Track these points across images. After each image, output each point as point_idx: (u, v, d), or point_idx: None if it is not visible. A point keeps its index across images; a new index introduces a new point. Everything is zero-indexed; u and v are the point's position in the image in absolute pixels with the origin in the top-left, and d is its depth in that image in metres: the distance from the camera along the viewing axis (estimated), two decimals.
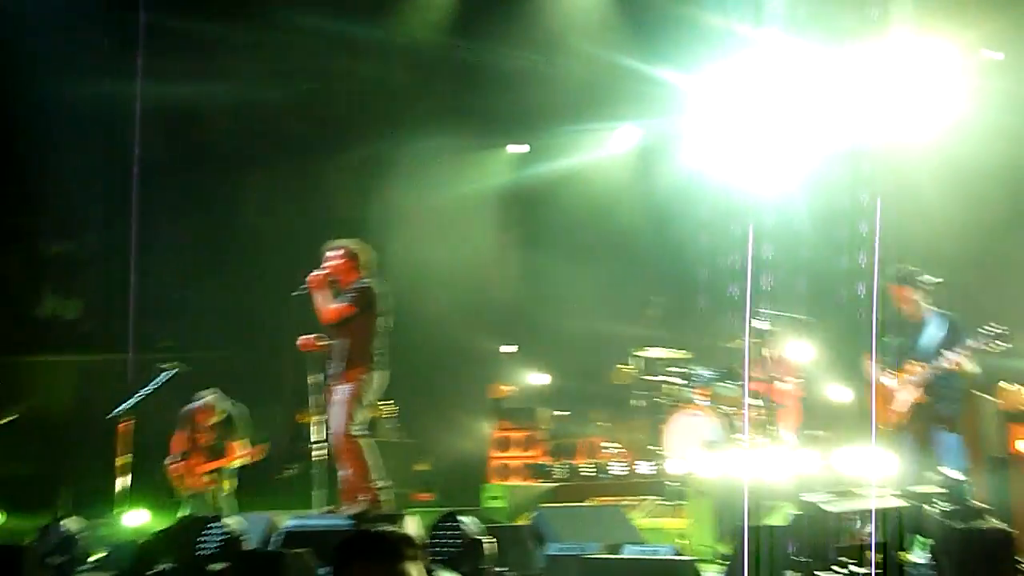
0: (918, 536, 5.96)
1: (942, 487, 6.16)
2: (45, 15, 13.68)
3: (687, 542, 9.69)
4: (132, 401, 11.00)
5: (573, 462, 13.20)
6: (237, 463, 11.47)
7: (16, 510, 12.79)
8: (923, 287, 8.79)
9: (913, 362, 8.56)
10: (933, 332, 8.64)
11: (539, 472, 13.22)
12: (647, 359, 13.08)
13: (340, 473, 9.15)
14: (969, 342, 8.31)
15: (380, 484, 8.88)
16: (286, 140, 15.88)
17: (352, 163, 15.97)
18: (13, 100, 14.19)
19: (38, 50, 13.70)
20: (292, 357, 9.43)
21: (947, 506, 6.00)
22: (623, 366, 13.54)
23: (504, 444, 14.08)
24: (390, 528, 3.10)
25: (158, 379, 11.22)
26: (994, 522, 5.80)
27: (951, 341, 8.44)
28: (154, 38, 14.29)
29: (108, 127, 15.07)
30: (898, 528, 5.43)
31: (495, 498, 12.32)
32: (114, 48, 14.62)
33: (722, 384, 12.30)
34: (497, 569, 7.28)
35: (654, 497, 11.63)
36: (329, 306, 9.02)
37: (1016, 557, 5.64)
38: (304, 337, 9.26)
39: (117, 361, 14.82)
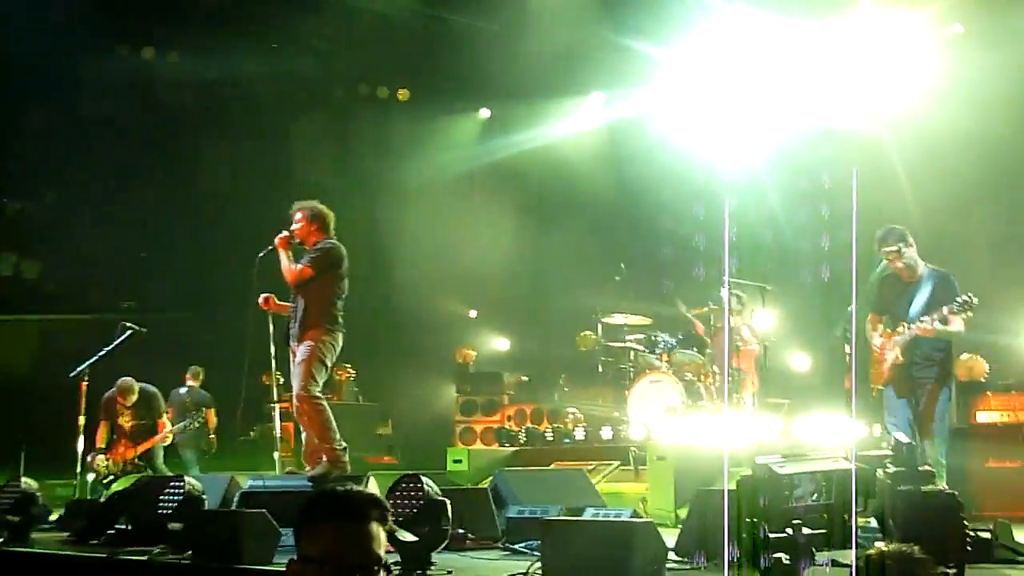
0: (869, 499, 6.03)
1: (891, 450, 6.21)
2: None
3: (647, 506, 9.74)
4: (92, 360, 10.95)
5: (536, 427, 13.22)
6: (169, 438, 11.56)
7: None
8: (911, 243, 8.72)
9: (904, 323, 8.56)
10: (924, 291, 8.61)
11: (502, 436, 13.24)
12: (611, 325, 13.10)
13: (303, 434, 9.13)
14: (944, 308, 8.33)
15: (340, 446, 8.85)
16: (251, 102, 15.73)
17: (317, 127, 15.86)
18: None
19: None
20: (256, 317, 9.35)
21: (894, 469, 6.05)
22: (587, 332, 13.58)
23: (468, 408, 14.10)
24: (356, 488, 3.06)
25: (118, 338, 11.15)
26: (941, 486, 5.85)
27: (940, 300, 8.42)
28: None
29: (72, 87, 14.89)
30: (847, 491, 5.50)
31: (458, 462, 12.32)
32: (79, 8, 14.40)
33: (683, 351, 12.36)
34: (459, 531, 7.29)
35: (615, 462, 11.67)
36: (290, 267, 8.98)
37: (964, 523, 5.68)
38: (265, 296, 9.22)
39: (76, 321, 14.73)
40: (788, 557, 5.18)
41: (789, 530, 5.22)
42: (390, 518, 3.07)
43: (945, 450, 8.46)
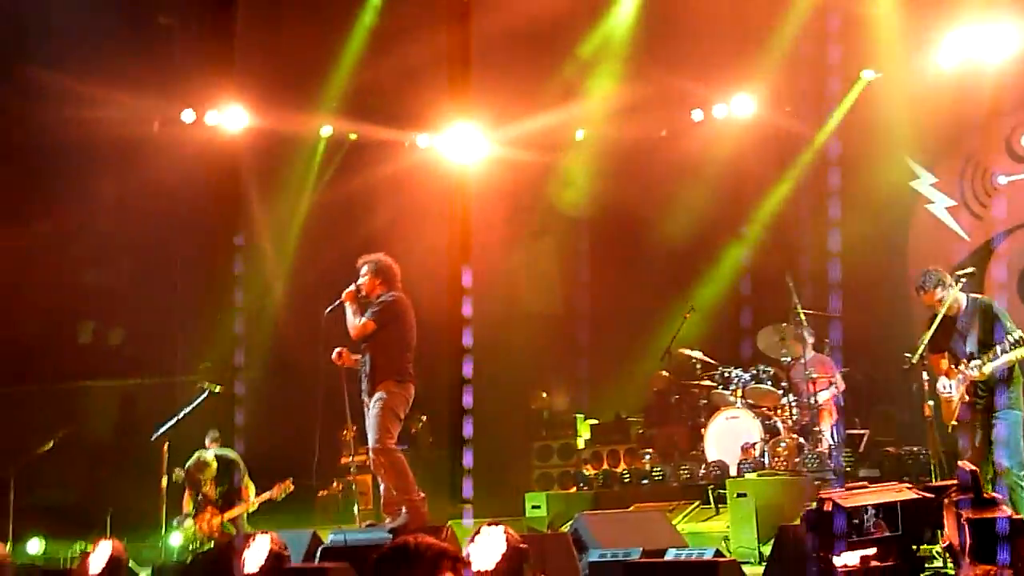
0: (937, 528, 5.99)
1: (957, 479, 6.14)
2: None
3: (729, 544, 9.66)
4: (171, 422, 11.11)
5: (612, 469, 13.17)
6: (255, 506, 11.61)
7: (57, 536, 12.92)
8: (950, 283, 8.77)
9: (964, 361, 8.58)
10: (973, 327, 8.62)
11: (579, 480, 13.20)
12: (684, 364, 13.04)
13: (381, 487, 9.18)
14: (997, 348, 8.33)
15: (419, 496, 8.90)
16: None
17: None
18: None
19: None
20: (329, 372, 9.45)
21: (959, 497, 6.00)
22: (660, 371, 13.52)
23: (544, 453, 14.07)
24: (427, 539, 3.07)
25: (196, 399, 11.32)
26: (1006, 509, 5.82)
27: (988, 335, 8.44)
28: None
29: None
30: (914, 521, 5.47)
31: (536, 507, 12.30)
32: None
33: (758, 385, 12.25)
34: None
35: (695, 501, 11.58)
36: (353, 322, 9.09)
37: None
38: (339, 350, 9.32)
39: (157, 385, 14.96)
40: None
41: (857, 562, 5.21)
42: (463, 568, 3.07)
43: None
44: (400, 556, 3.00)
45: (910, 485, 6.39)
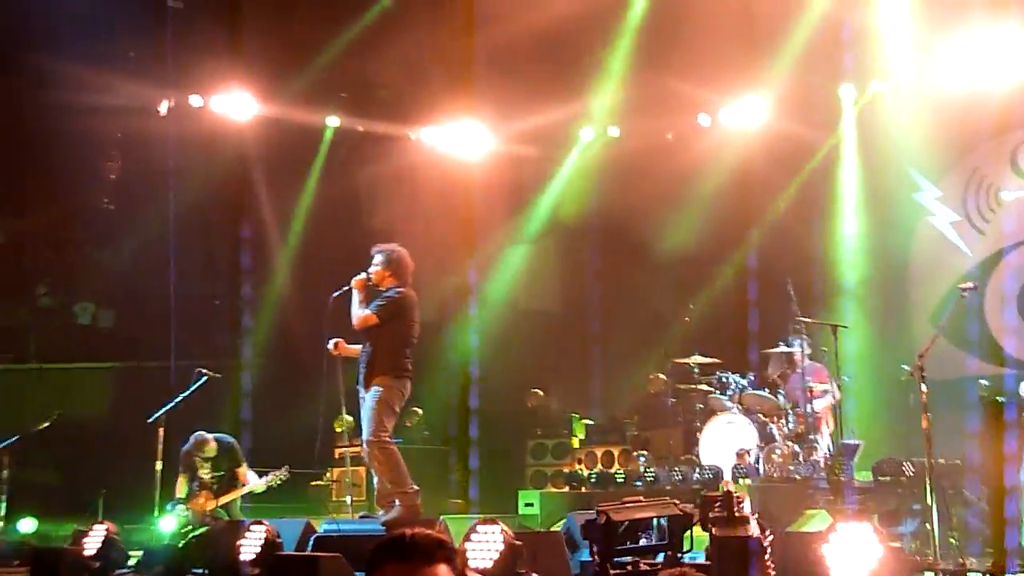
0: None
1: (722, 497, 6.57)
2: None
3: None
4: (168, 407, 11.12)
5: (606, 470, 13.17)
6: (254, 489, 11.61)
7: (50, 517, 12.92)
8: None
9: None
10: None
11: (573, 479, 13.20)
12: (681, 367, 13.05)
13: (373, 479, 9.19)
14: None
15: (412, 490, 8.90)
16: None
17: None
18: None
19: None
20: (329, 361, 9.44)
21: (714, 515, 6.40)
22: (657, 374, 13.53)
23: (539, 452, 14.08)
24: (425, 531, 3.09)
25: (193, 385, 11.32)
26: (752, 529, 6.22)
27: None
28: None
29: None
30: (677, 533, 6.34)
31: (529, 505, 12.30)
32: None
33: (755, 392, 12.27)
34: (533, 575, 7.28)
35: (689, 504, 11.57)
36: (357, 312, 9.06)
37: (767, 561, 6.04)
38: (335, 341, 9.30)
39: (152, 368, 14.95)
40: None
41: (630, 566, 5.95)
42: (459, 560, 3.08)
43: None
44: (397, 547, 3.02)
45: (676, 502, 6.93)
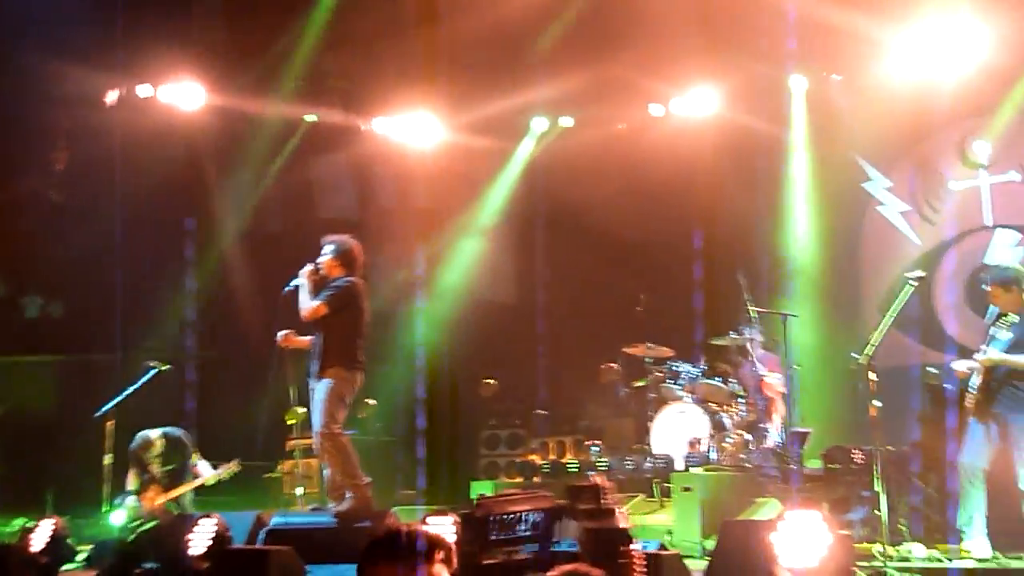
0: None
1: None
2: None
3: (673, 538, 9.71)
4: (117, 400, 11.01)
5: (559, 460, 13.19)
6: (205, 482, 11.52)
7: None
8: None
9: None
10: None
11: (526, 470, 13.21)
12: (633, 356, 13.09)
13: (324, 471, 9.14)
14: None
15: (364, 481, 8.86)
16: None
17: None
18: None
19: None
20: (279, 353, 9.38)
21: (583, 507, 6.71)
22: (609, 363, 13.56)
23: (492, 442, 14.07)
24: (420, 527, 3.02)
25: (143, 377, 11.22)
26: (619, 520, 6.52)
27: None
28: None
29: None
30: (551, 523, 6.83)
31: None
32: None
33: (707, 381, 12.34)
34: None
35: (639, 494, 11.64)
36: (306, 303, 9.01)
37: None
38: (284, 333, 9.24)
39: (100, 361, 14.80)
40: None
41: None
42: (454, 558, 3.03)
43: None
44: (393, 544, 2.96)
45: (550, 495, 7.13)
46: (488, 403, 14.67)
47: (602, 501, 6.30)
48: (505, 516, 6.27)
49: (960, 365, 9.05)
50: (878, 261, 13.93)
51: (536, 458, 13.46)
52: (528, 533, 6.49)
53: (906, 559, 8.50)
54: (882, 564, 7.83)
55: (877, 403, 8.75)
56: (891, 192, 14.02)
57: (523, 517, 6.32)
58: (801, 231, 14.11)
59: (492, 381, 14.70)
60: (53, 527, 8.30)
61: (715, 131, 14.24)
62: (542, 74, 14.64)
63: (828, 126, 14.04)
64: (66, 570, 8.44)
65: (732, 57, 13.59)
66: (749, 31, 13.16)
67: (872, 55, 13.24)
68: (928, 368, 11.38)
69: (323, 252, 9.22)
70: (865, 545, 8.88)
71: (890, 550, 8.20)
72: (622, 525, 6.14)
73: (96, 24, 14.13)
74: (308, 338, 9.18)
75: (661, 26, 13.03)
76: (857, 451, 10.45)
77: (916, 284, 8.99)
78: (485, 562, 6.12)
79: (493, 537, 6.19)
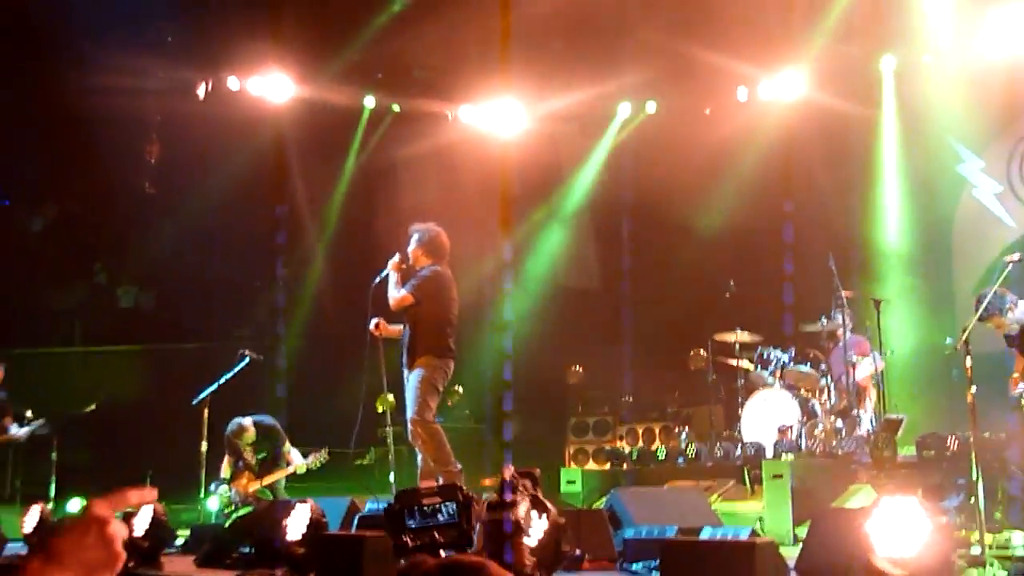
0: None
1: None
2: None
3: (764, 525, 9.64)
4: (212, 388, 11.22)
5: (648, 447, 13.16)
6: (296, 470, 11.68)
7: (97, 497, 13.04)
8: (1014, 304, 8.85)
9: None
10: None
11: (614, 456, 13.20)
12: (722, 343, 13.00)
13: (417, 458, 9.23)
14: None
15: (456, 468, 8.94)
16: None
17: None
18: None
19: None
20: (371, 342, 9.47)
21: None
22: (698, 350, 13.48)
23: (580, 429, 14.08)
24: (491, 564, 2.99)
25: (237, 366, 11.41)
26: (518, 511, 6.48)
27: None
28: None
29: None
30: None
31: (572, 483, 12.33)
32: None
33: (797, 367, 12.21)
34: (577, 552, 7.28)
35: (730, 480, 11.57)
36: (394, 293, 9.07)
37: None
38: (376, 321, 9.32)
39: (193, 350, 15.09)
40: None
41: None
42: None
43: None
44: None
45: (462, 487, 7.51)
46: (575, 390, 14.67)
47: (507, 495, 6.53)
48: (424, 507, 6.96)
49: None
50: (972, 244, 13.67)
51: (623, 445, 13.44)
52: (448, 521, 7.08)
53: (1005, 547, 8.33)
54: (981, 553, 7.68)
55: (973, 389, 8.58)
56: (984, 173, 13.75)
57: (440, 508, 6.98)
58: (893, 215, 13.89)
59: (579, 368, 14.68)
60: (153, 512, 8.47)
61: (803, 115, 14.05)
62: (626, 59, 14.59)
63: (919, 107, 13.78)
64: (166, 554, 8.61)
65: (820, 38, 13.39)
66: (838, 11, 12.97)
67: (964, 34, 12.98)
68: None
69: (410, 241, 9.28)
70: (962, 533, 8.73)
71: (988, 538, 8.05)
72: (520, 517, 6.39)
73: (186, 17, 14.39)
74: (399, 327, 9.26)
75: (747, 7, 12.90)
76: (952, 438, 10.27)
77: (1011, 267, 8.81)
78: (409, 545, 6.81)
79: (412, 525, 6.90)
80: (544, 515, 6.20)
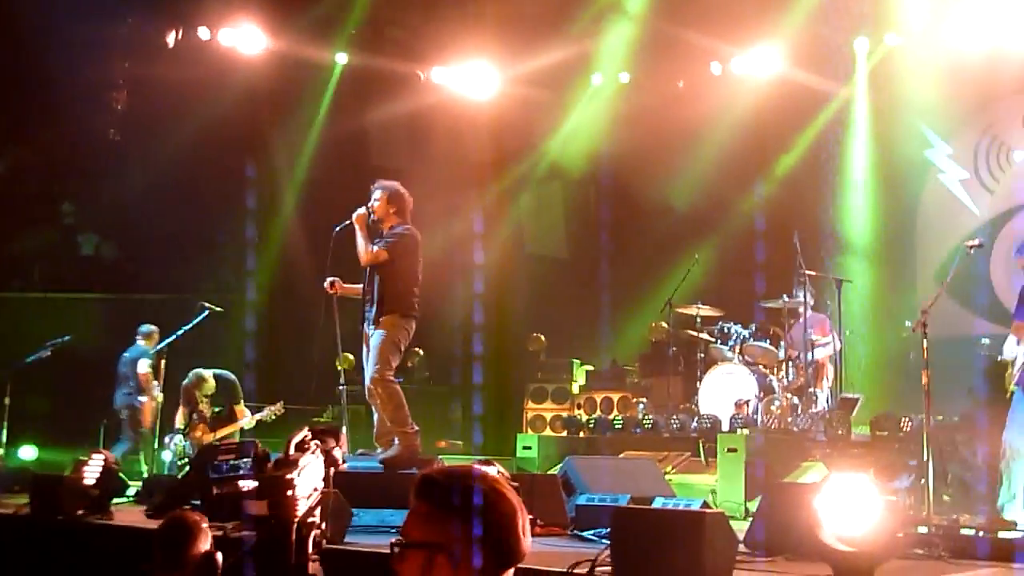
0: None
1: None
2: None
3: (716, 497, 9.71)
4: (169, 339, 11.16)
5: (605, 416, 13.20)
6: (245, 425, 11.68)
7: (49, 445, 13.00)
8: None
9: None
10: None
11: (571, 424, 13.24)
12: (683, 316, 13.03)
13: (375, 416, 9.20)
14: None
15: (412, 428, 8.92)
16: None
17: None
18: None
19: None
20: (327, 299, 9.41)
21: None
22: (659, 322, 13.51)
23: (538, 395, 14.09)
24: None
25: (195, 318, 11.35)
26: None
27: None
28: None
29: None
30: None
31: (528, 448, 12.35)
32: None
33: (757, 343, 12.26)
34: (529, 517, 7.29)
35: (685, 452, 11.63)
36: (367, 248, 9.00)
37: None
38: (331, 280, 9.25)
39: (153, 301, 14.98)
40: None
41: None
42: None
43: None
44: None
45: (257, 442, 7.45)
46: (535, 357, 14.68)
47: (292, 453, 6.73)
48: (225, 461, 7.22)
49: (1010, 345, 8.93)
50: (936, 230, 13.76)
51: (581, 413, 13.48)
52: (250, 471, 7.07)
53: (952, 529, 8.43)
54: (928, 533, 7.76)
55: (929, 372, 8.66)
56: (952, 159, 13.82)
57: (241, 461, 7.18)
58: (860, 196, 13.94)
59: (540, 336, 14.69)
60: (104, 461, 8.42)
61: (775, 92, 14.05)
62: (600, 28, 14.53)
63: (892, 91, 13.82)
64: (116, 503, 8.56)
65: (795, 16, 13.38)
66: None
67: (939, 20, 13.00)
68: (983, 340, 11.25)
69: (374, 196, 9.20)
70: (910, 512, 8.82)
71: (935, 519, 8.14)
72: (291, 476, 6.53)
73: None
74: (356, 286, 9.19)
75: None
76: (906, 419, 10.37)
77: (973, 253, 8.88)
78: (215, 492, 7.13)
79: (214, 476, 7.18)
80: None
